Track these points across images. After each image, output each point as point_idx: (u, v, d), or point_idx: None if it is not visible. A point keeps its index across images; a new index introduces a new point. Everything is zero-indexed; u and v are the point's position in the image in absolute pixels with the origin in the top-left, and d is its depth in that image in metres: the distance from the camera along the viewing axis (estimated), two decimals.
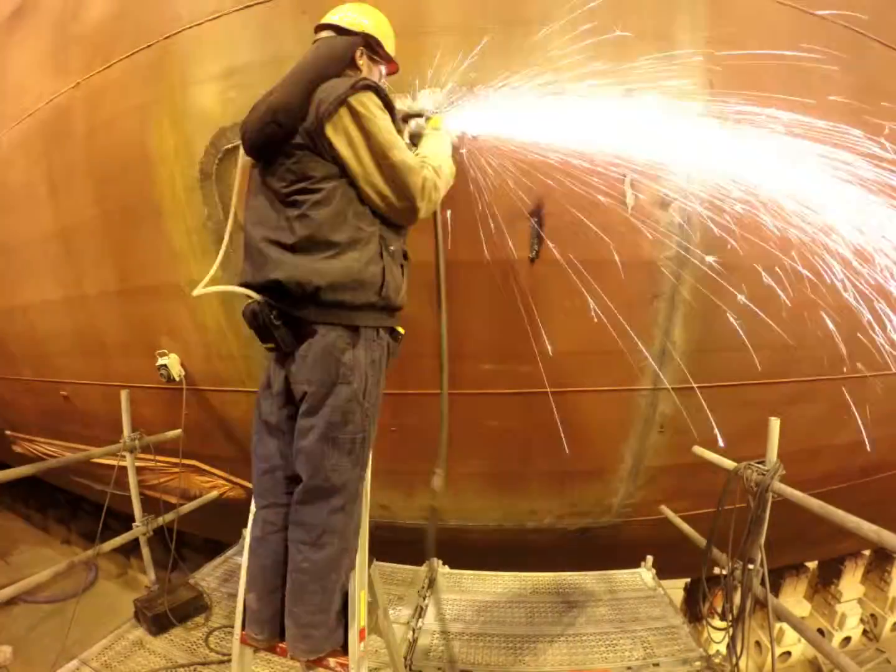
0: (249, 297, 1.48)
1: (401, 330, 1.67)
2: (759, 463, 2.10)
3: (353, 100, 1.43)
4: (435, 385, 2.46)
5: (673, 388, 2.69)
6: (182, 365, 3.08)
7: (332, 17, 1.70)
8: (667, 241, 2.39)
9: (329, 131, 1.42)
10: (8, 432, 4.87)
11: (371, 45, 1.70)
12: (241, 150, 1.61)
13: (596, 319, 2.48)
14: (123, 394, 2.80)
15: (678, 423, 2.78)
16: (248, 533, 1.67)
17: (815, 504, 1.85)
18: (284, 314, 1.45)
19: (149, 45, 2.61)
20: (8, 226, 3.60)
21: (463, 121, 2.19)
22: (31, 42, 3.29)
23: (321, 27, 1.71)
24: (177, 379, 3.06)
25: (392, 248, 1.56)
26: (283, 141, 1.44)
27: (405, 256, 1.67)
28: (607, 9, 2.24)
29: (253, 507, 1.67)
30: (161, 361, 3.02)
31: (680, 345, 2.59)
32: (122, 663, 2.17)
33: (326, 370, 1.46)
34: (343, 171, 1.47)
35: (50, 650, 2.35)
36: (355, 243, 1.46)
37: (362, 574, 1.59)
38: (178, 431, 3.07)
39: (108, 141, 2.85)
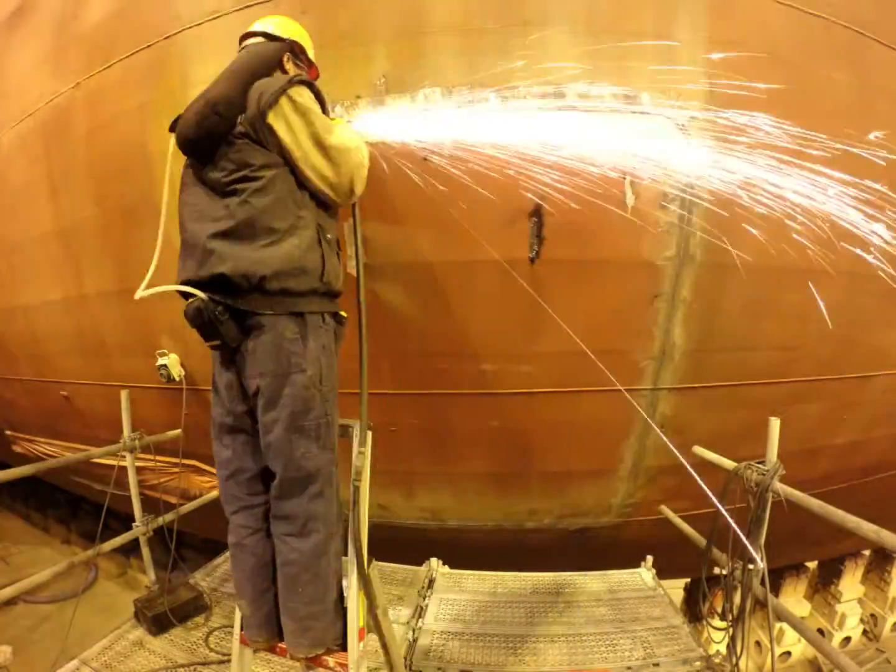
0: (191, 294, 1.48)
1: (344, 314, 1.72)
2: (759, 463, 2.10)
3: (291, 91, 1.56)
4: (434, 384, 2.47)
5: (673, 388, 2.69)
6: (182, 365, 3.08)
7: (258, 27, 1.84)
8: (666, 240, 2.39)
9: (270, 118, 1.52)
10: (8, 432, 4.87)
11: (295, 51, 1.85)
12: (171, 149, 1.64)
13: (596, 319, 2.49)
14: (123, 394, 2.80)
15: (678, 423, 2.78)
16: None
17: (815, 504, 1.85)
18: (228, 309, 1.47)
19: (149, 45, 2.62)
20: (8, 226, 3.60)
21: (464, 120, 2.20)
22: (31, 42, 3.29)
23: (249, 35, 1.84)
24: (177, 379, 3.05)
25: (329, 236, 1.64)
26: (224, 133, 1.51)
27: (338, 245, 1.75)
28: (607, 8, 2.24)
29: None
30: (161, 361, 3.02)
31: (680, 345, 2.59)
32: (122, 663, 2.16)
33: (278, 361, 1.49)
34: (284, 160, 1.55)
35: (50, 650, 2.35)
36: (294, 230, 1.53)
37: (359, 574, 1.58)
38: (178, 431, 3.07)
39: (108, 141, 2.85)
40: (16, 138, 3.34)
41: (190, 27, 2.50)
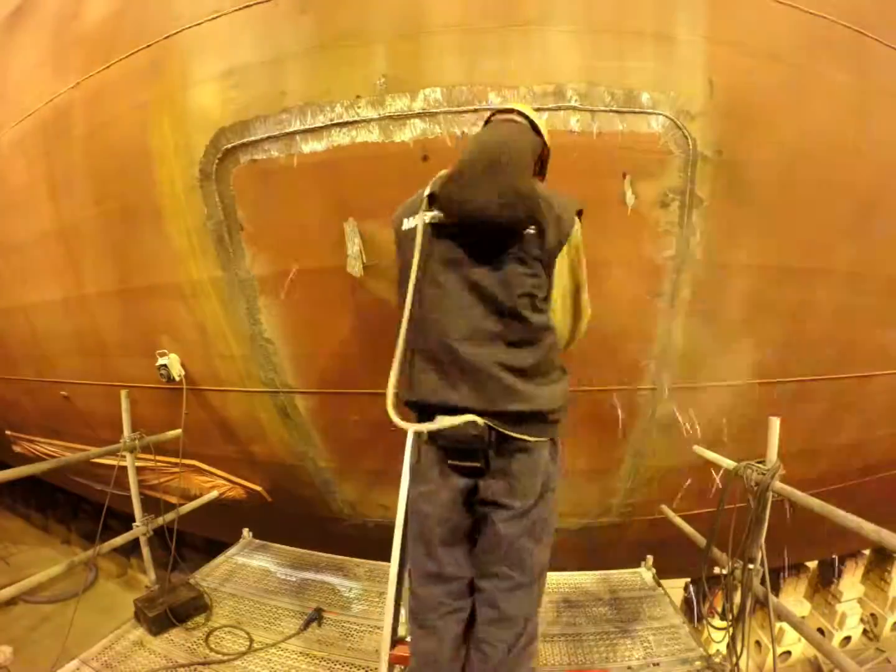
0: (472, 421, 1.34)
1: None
2: (759, 462, 2.10)
3: (579, 226, 1.41)
4: None
5: (673, 388, 2.69)
6: (182, 365, 3.08)
7: (524, 108, 1.57)
8: (666, 240, 2.39)
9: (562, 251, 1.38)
10: (8, 432, 4.87)
11: (543, 157, 1.61)
12: (425, 219, 1.38)
13: (596, 319, 2.48)
14: (123, 394, 2.80)
15: (678, 423, 2.78)
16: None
17: (816, 504, 1.85)
18: (498, 435, 1.40)
19: (149, 45, 2.61)
20: (8, 226, 3.60)
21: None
22: (31, 42, 3.29)
23: (511, 110, 1.56)
24: (177, 379, 3.06)
25: None
26: (516, 235, 1.30)
27: None
28: (607, 7, 2.24)
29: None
30: (161, 361, 3.02)
31: (680, 345, 2.59)
32: (122, 663, 2.16)
33: (535, 482, 1.46)
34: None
35: (50, 650, 2.34)
36: (559, 367, 1.48)
37: None
38: (178, 431, 3.07)
39: (108, 141, 2.84)
40: (16, 138, 3.34)
41: (190, 27, 2.50)
